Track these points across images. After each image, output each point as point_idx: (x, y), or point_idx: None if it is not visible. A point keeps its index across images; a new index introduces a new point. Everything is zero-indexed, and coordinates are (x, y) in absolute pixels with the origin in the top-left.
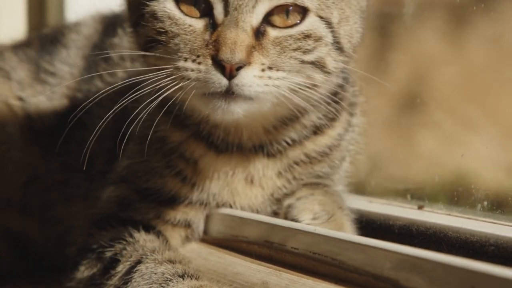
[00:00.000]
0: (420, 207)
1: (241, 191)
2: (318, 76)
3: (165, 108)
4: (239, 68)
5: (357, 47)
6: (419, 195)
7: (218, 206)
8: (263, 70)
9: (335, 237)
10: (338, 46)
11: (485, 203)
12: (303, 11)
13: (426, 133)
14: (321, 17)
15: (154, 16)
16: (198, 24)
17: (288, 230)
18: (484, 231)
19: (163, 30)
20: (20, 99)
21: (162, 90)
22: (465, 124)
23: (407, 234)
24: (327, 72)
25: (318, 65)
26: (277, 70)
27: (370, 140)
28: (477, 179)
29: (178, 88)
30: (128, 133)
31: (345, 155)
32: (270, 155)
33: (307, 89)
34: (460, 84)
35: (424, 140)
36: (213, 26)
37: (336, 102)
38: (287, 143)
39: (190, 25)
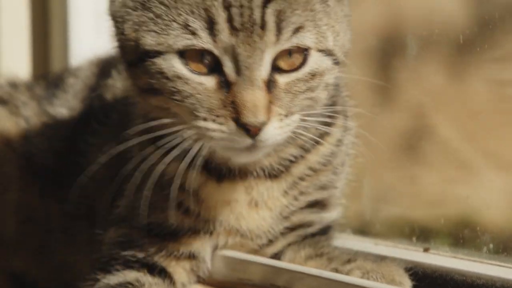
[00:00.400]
0: (425, 250)
1: (247, 215)
2: (323, 95)
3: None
4: (261, 128)
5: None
6: (425, 237)
7: (225, 231)
8: (281, 120)
9: (342, 280)
10: (335, 61)
11: (491, 245)
12: (305, 50)
13: (430, 173)
14: (321, 50)
15: (161, 73)
16: (209, 82)
17: (294, 273)
18: (490, 274)
19: (174, 90)
20: (23, 136)
21: (179, 144)
22: (469, 165)
23: (413, 277)
24: (328, 89)
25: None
26: (292, 114)
27: (374, 180)
28: (483, 220)
29: (199, 143)
30: (124, 172)
31: (345, 160)
32: (273, 177)
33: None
34: (464, 124)
35: (428, 180)
36: (226, 84)
37: (332, 106)
38: (290, 161)
39: (201, 83)
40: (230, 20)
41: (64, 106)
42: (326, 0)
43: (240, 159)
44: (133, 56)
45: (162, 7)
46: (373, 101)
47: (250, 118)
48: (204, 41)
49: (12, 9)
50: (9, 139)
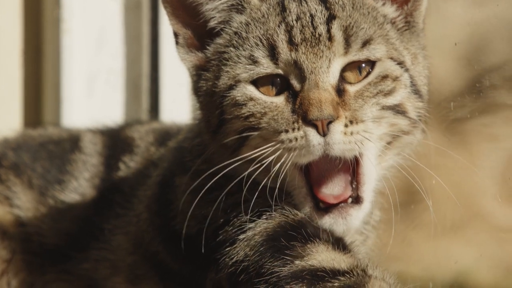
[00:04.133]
0: None
1: None
2: (402, 122)
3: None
4: (329, 124)
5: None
6: None
7: None
8: (346, 125)
9: None
10: (415, 89)
11: None
12: (374, 63)
13: (420, 235)
14: (392, 59)
15: (236, 103)
16: (279, 100)
17: None
18: None
19: (249, 113)
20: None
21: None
22: (459, 226)
23: None
24: (409, 118)
25: (399, 110)
26: (357, 123)
27: None
28: (474, 282)
29: (282, 162)
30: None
31: None
32: None
33: (397, 138)
34: (454, 185)
35: (419, 242)
36: (293, 95)
37: None
38: None
39: (272, 102)
40: (290, 39)
41: (75, 192)
42: (398, 27)
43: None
44: (215, 111)
45: (232, 50)
46: None
47: (315, 113)
48: (265, 66)
49: (5, 68)
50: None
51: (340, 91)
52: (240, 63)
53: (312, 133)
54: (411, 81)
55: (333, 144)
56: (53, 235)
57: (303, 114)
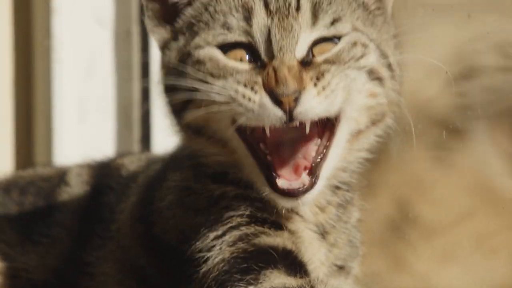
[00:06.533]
0: None
1: None
2: (381, 91)
3: None
4: (296, 99)
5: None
6: None
7: None
8: (315, 84)
9: None
10: (387, 61)
11: None
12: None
13: (414, 257)
14: (357, 30)
15: (198, 61)
16: (245, 66)
17: None
18: None
19: (208, 72)
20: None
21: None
22: (453, 250)
23: None
24: (386, 90)
25: (375, 77)
26: (323, 75)
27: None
28: None
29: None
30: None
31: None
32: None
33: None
34: (447, 207)
35: (413, 264)
36: (261, 67)
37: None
38: None
39: (237, 67)
40: (265, 4)
41: (61, 226)
42: (369, 10)
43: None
44: (178, 77)
45: (203, 22)
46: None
47: (280, 89)
48: (239, 32)
49: None
50: None
51: (307, 63)
52: (214, 29)
53: (271, 106)
54: (380, 51)
55: (306, 111)
56: (40, 271)
57: (267, 90)
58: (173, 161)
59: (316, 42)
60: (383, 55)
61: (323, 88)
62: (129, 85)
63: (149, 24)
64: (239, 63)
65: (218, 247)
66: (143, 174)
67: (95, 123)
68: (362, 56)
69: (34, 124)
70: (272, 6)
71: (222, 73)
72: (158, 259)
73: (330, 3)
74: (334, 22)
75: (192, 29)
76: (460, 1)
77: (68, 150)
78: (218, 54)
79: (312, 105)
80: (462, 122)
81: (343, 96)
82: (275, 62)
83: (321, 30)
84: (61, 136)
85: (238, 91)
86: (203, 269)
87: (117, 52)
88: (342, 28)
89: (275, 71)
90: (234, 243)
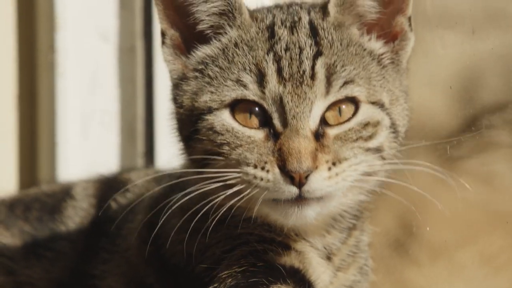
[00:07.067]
0: None
1: None
2: (378, 162)
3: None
4: (307, 176)
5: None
6: None
7: None
8: (329, 169)
9: None
10: (394, 129)
11: None
12: (354, 103)
13: (416, 273)
14: (373, 103)
15: (212, 129)
16: (259, 134)
17: None
18: None
19: (225, 142)
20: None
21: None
22: (454, 264)
23: None
24: (383, 158)
25: (378, 150)
26: (340, 162)
27: None
28: None
29: (245, 195)
30: None
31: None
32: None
33: (365, 177)
34: (451, 222)
35: (414, 280)
36: (274, 135)
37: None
38: None
39: (249, 136)
40: (279, 70)
41: (66, 239)
42: (383, 65)
43: (290, 219)
44: (189, 129)
45: (217, 69)
46: None
47: (293, 165)
48: (253, 93)
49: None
50: None
51: (318, 135)
52: (226, 86)
53: (282, 181)
54: (391, 123)
55: (314, 191)
56: (44, 285)
57: (281, 162)
58: (176, 182)
59: (329, 107)
60: (393, 125)
61: (336, 175)
62: (133, 100)
63: (166, 53)
64: (254, 131)
65: (226, 262)
66: (149, 193)
67: (99, 137)
68: (372, 137)
69: (37, 138)
70: (285, 72)
71: (237, 143)
72: (166, 278)
73: (343, 65)
74: (345, 84)
75: (203, 73)
76: (464, 17)
77: (71, 164)
78: (232, 122)
79: (321, 186)
80: (466, 138)
81: (349, 183)
82: (289, 133)
83: (334, 94)
84: (64, 150)
85: (249, 174)
86: (211, 286)
87: (121, 67)
88: (353, 90)
89: (289, 142)
90: (243, 257)
